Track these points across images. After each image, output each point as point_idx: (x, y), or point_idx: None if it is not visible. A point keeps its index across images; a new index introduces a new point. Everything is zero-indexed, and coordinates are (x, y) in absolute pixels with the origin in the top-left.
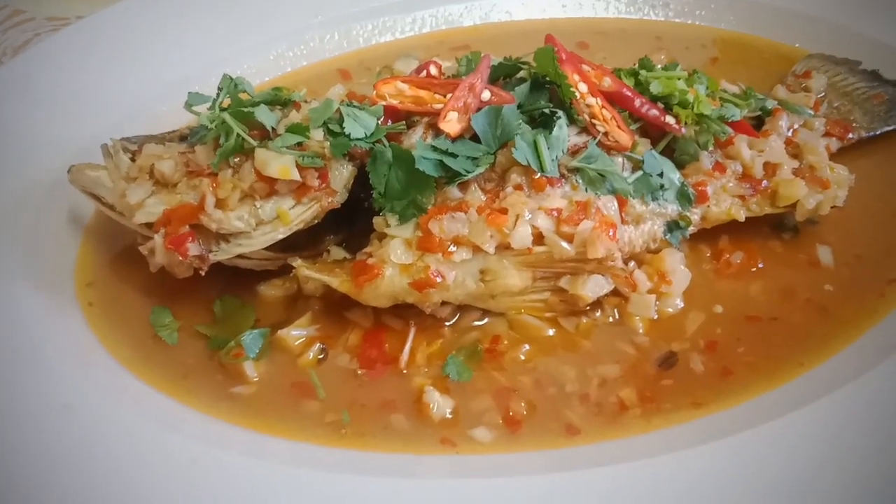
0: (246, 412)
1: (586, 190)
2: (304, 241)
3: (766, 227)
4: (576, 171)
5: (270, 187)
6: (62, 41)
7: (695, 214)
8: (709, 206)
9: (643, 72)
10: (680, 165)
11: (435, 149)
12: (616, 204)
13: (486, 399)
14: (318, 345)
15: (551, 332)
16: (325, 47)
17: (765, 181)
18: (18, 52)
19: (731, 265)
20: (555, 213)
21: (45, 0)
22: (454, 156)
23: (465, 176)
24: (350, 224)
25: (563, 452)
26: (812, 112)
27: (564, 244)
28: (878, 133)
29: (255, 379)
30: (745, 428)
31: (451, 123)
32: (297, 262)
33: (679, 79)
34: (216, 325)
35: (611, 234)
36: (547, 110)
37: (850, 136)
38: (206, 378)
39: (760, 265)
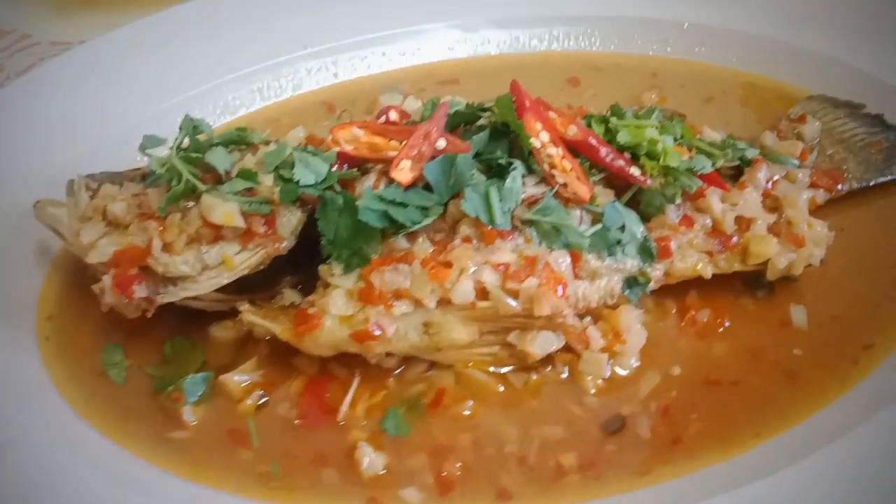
0: (181, 458)
1: (540, 243)
2: (261, 282)
3: (738, 284)
4: (530, 223)
5: (216, 233)
6: (50, 69)
7: (657, 270)
8: (672, 262)
9: (614, 119)
10: (646, 218)
11: (382, 199)
12: (569, 259)
13: (421, 457)
14: (259, 391)
15: (501, 388)
16: (311, 79)
17: (735, 237)
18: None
19: (696, 323)
20: (502, 268)
21: (50, 24)
22: (404, 205)
23: (410, 227)
24: (309, 266)
25: None
26: (797, 162)
27: (510, 300)
28: (871, 184)
29: (193, 423)
30: (688, 502)
31: (404, 172)
32: (243, 307)
33: (651, 127)
34: (165, 366)
35: (560, 290)
36: (503, 160)
37: (840, 187)
38: (146, 421)
39: (728, 324)
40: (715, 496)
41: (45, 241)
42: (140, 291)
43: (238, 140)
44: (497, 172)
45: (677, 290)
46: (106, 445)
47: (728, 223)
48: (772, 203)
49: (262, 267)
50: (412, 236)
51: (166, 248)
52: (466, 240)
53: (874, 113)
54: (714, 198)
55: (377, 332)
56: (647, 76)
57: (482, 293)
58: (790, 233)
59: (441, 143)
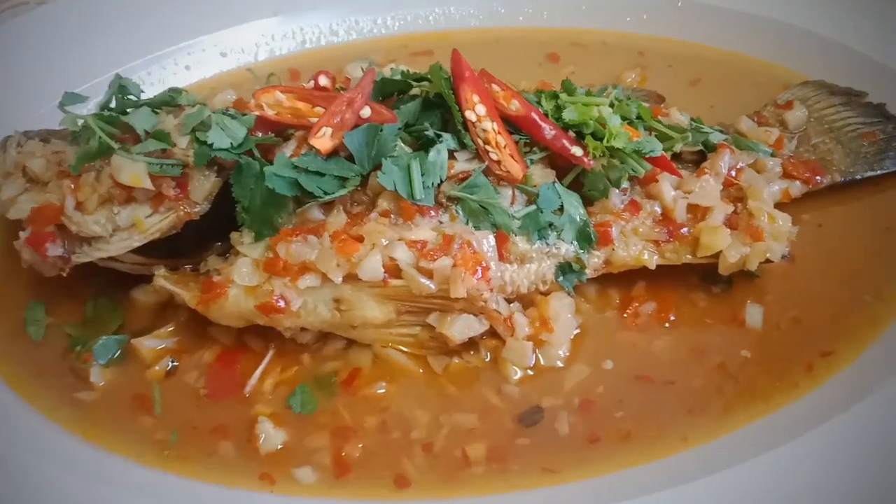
0: (83, 420)
1: (467, 222)
2: (191, 247)
3: (694, 278)
4: (457, 200)
5: (128, 194)
6: (17, 25)
7: (595, 257)
8: (613, 250)
9: (563, 96)
10: (589, 202)
11: (294, 166)
12: (493, 240)
13: (323, 437)
14: (169, 358)
15: (420, 370)
16: (280, 45)
17: (686, 227)
18: None
19: (639, 315)
20: (418, 246)
21: None
22: (320, 174)
23: (322, 198)
24: None
25: None
26: (769, 150)
27: (424, 280)
28: (857, 178)
29: (101, 385)
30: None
31: (323, 140)
32: (159, 271)
33: (600, 105)
34: (83, 326)
35: (479, 272)
36: (430, 133)
37: (820, 179)
38: (56, 380)
39: (672, 318)
40: (621, 501)
41: None
42: (54, 250)
43: (169, 102)
44: (424, 145)
45: (624, 280)
46: (12, 400)
47: (679, 211)
48: (736, 192)
49: (174, 231)
50: (328, 207)
51: (79, 207)
52: (384, 214)
53: (876, 102)
54: (666, 184)
55: (282, 305)
56: (633, 55)
57: (395, 271)
58: (749, 225)
59: (366, 112)
